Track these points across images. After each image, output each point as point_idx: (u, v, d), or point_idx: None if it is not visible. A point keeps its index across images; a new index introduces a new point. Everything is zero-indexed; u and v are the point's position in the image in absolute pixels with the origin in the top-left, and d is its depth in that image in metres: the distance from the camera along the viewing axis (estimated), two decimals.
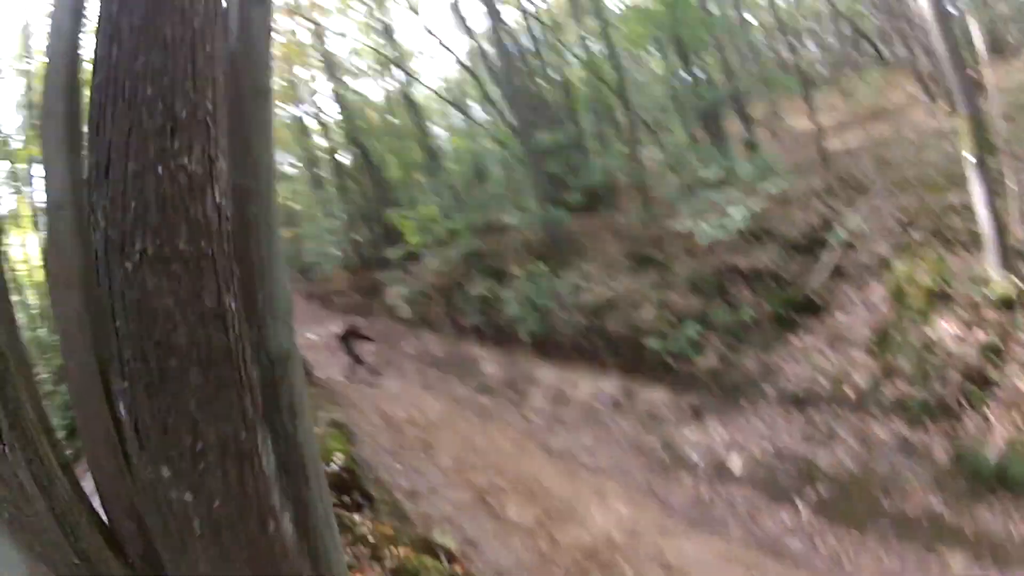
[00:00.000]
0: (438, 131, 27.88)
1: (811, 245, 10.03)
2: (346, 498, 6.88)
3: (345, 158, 28.38)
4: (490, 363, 14.89)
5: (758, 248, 10.61)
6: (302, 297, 31.31)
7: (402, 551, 5.36)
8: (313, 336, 22.75)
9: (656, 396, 10.24)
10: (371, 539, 5.48)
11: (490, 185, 21.41)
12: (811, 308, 9.13)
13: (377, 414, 13.77)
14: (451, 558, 6.41)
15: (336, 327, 23.37)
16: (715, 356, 9.43)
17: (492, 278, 15.41)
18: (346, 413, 13.39)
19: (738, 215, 10.06)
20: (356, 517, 6.17)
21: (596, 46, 17.53)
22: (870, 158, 12.08)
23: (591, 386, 11.70)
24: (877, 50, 21.00)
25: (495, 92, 19.82)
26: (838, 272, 9.44)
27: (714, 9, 17.15)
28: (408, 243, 19.26)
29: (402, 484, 9.97)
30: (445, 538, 6.80)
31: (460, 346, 16.41)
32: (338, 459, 7.68)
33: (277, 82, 29.34)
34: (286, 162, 37.63)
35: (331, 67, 26.23)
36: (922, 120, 13.83)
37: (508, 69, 16.22)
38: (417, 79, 25.45)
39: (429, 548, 6.27)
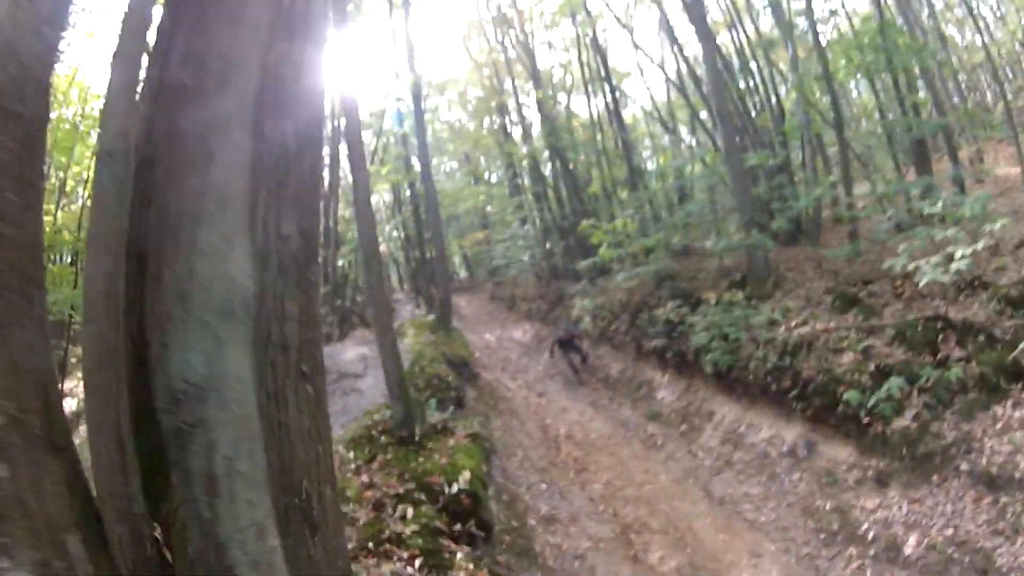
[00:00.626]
0: (644, 151, 27.92)
1: None
2: (457, 527, 6.82)
3: (546, 170, 29.14)
4: (666, 390, 14.69)
5: (972, 299, 9.59)
6: (487, 298, 32.75)
7: None
8: (490, 337, 23.81)
9: (839, 454, 9.56)
10: None
11: (691, 206, 21.14)
12: (1022, 376, 8.13)
13: (537, 425, 14.12)
14: None
15: (519, 333, 24.39)
16: (912, 418, 8.63)
17: (682, 302, 15.15)
18: (503, 421, 13.88)
19: (962, 256, 9.18)
20: (458, 555, 6.14)
21: (809, 70, 16.80)
22: None
23: (770, 431, 11.16)
24: None
25: (704, 113, 19.62)
26: None
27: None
28: (600, 256, 19.45)
29: (541, 508, 10.15)
30: None
31: (638, 368, 16.34)
32: (462, 480, 7.68)
33: (478, 92, 31.00)
34: (491, 168, 39.60)
35: (537, 79, 27.03)
36: None
37: (718, 89, 15.89)
38: (625, 96, 25.83)
39: None
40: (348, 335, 18.69)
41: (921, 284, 9.84)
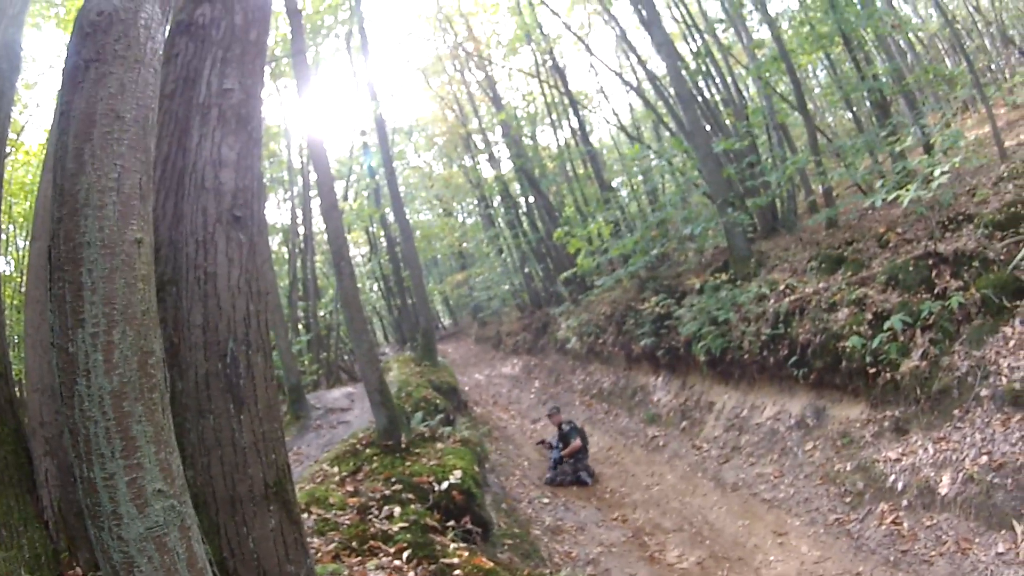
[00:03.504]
0: (615, 170, 27.70)
1: (1011, 221, 8.36)
2: (451, 524, 6.40)
3: (518, 200, 28.91)
4: (662, 391, 13.95)
5: (958, 232, 8.99)
6: (472, 341, 32.14)
7: None
8: (480, 376, 23.19)
9: (851, 413, 8.80)
10: (458, 574, 4.87)
11: (664, 199, 20.62)
12: (1023, 291, 7.49)
13: (533, 448, 13.38)
14: None
15: (507, 368, 23.71)
16: (920, 356, 7.92)
17: (667, 295, 14.48)
18: (499, 447, 13.15)
19: (941, 172, 8.68)
20: (452, 547, 5.58)
21: (767, 56, 16.54)
22: None
23: (774, 408, 10.41)
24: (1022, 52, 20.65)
25: (665, 110, 19.29)
26: None
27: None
28: (579, 266, 18.89)
29: (545, 519, 9.46)
30: None
31: (630, 376, 15.62)
32: (453, 477, 7.24)
33: (444, 130, 31.06)
34: (463, 207, 39.55)
35: (499, 104, 27.02)
36: None
37: (676, 74, 15.45)
38: (589, 119, 25.68)
39: None
40: (335, 387, 18.00)
41: (904, 204, 9.31)
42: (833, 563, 6.83)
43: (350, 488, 6.97)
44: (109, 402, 1.99)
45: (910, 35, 19.41)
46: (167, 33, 3.09)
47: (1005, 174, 9.79)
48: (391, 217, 25.05)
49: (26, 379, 3.58)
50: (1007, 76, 20.13)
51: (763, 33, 18.45)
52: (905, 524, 6.68)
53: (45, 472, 3.29)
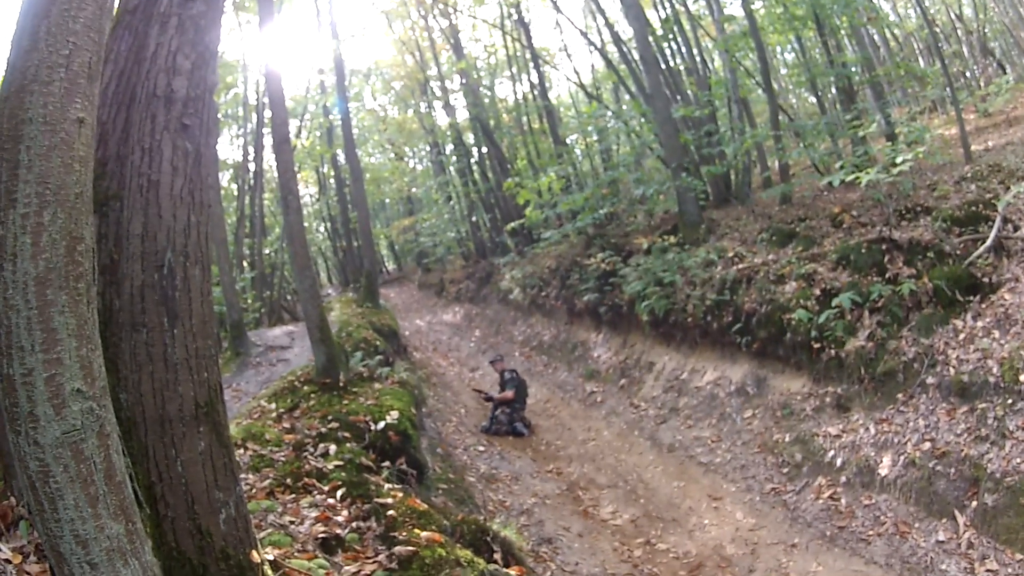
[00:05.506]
0: (571, 128, 27.24)
1: (971, 219, 8.43)
2: (385, 464, 6.29)
3: (471, 149, 28.22)
4: (603, 348, 13.80)
5: (914, 223, 8.92)
6: (415, 287, 31.65)
7: (429, 537, 4.33)
8: (420, 322, 22.84)
9: (792, 385, 8.74)
10: (392, 514, 4.56)
11: (618, 159, 20.30)
12: (977, 287, 7.43)
13: (470, 397, 13.12)
14: (510, 557, 5.38)
15: (448, 315, 23.36)
16: (867, 337, 7.84)
17: (613, 253, 14.23)
18: (437, 393, 12.86)
19: (904, 160, 8.55)
20: (386, 487, 5.40)
21: (736, 32, 16.21)
22: (1017, 153, 10.68)
23: (715, 373, 10.33)
24: (1001, 65, 21.12)
25: (627, 73, 18.84)
26: (1002, 248, 7.72)
27: None
28: (528, 217, 18.51)
29: (480, 467, 9.27)
30: (507, 531, 5.73)
31: (572, 331, 15.43)
32: (390, 418, 7.03)
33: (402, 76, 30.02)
34: (416, 154, 38.66)
35: (460, 52, 26.20)
36: None
37: (641, 34, 15.01)
38: (549, 67, 25.05)
39: (478, 539, 5.27)
40: (276, 325, 17.46)
41: (863, 185, 9.22)
42: (768, 532, 6.77)
43: (287, 425, 6.80)
44: (33, 289, 1.89)
45: (885, 30, 19.36)
46: None
47: (969, 174, 9.83)
48: (342, 158, 24.38)
49: None
50: (981, 84, 20.29)
51: (735, 9, 18.13)
52: (843, 500, 6.64)
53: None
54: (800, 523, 6.70)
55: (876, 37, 19.17)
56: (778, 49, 22.10)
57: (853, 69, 14.42)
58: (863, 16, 15.02)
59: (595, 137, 22.76)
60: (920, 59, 22.75)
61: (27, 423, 1.85)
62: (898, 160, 8.57)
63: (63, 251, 1.96)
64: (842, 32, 17.02)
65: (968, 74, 21.68)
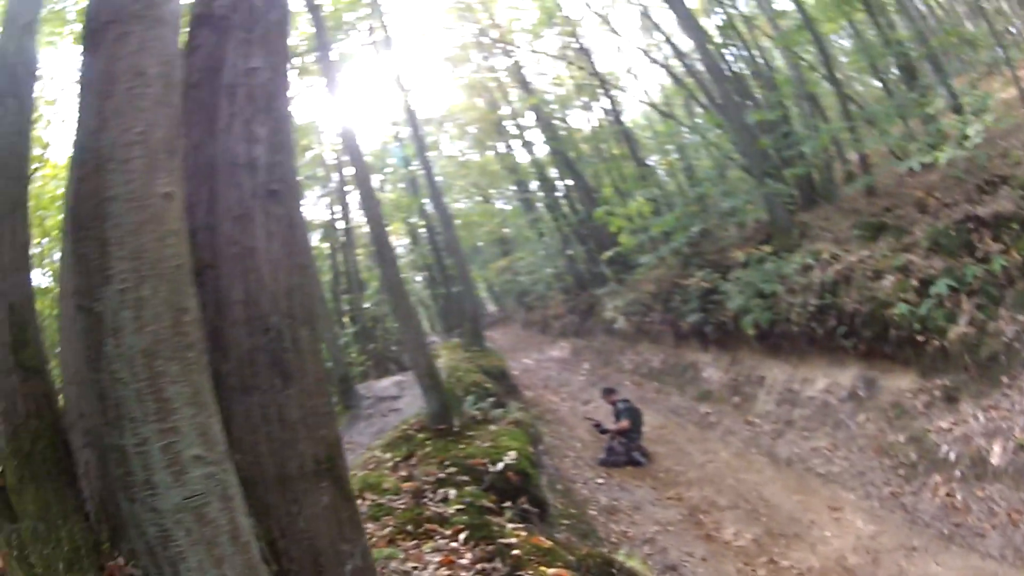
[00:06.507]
0: (649, 147, 27.53)
1: None
2: (507, 505, 6.35)
3: (556, 183, 29.00)
4: (712, 368, 14.02)
5: (995, 195, 8.85)
6: (519, 327, 32.37)
7: (556, 573, 4.63)
8: (528, 361, 23.39)
9: (902, 383, 8.81)
10: (517, 553, 4.84)
11: (703, 175, 20.55)
12: None
13: (586, 430, 13.54)
14: None
15: (555, 351, 23.91)
16: (967, 322, 7.90)
17: (712, 270, 14.52)
18: (552, 429, 13.37)
19: (975, 132, 8.59)
20: (509, 527, 5.59)
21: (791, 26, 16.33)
22: None
23: (825, 380, 10.43)
24: None
25: (695, 85, 19.13)
26: None
27: None
28: (621, 244, 18.93)
29: (601, 499, 9.64)
30: (632, 561, 6.12)
31: (679, 353, 15.70)
32: (508, 458, 7.21)
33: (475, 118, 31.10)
34: (501, 194, 39.65)
35: (528, 87, 27.04)
36: None
37: (702, 46, 15.39)
38: (618, 90, 25.46)
39: (604, 572, 5.63)
40: (383, 377, 18.45)
41: (942, 163, 9.26)
42: (888, 537, 6.91)
43: (403, 473, 7.02)
44: (140, 361, 1.92)
45: None
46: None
47: None
48: (430, 208, 25.24)
49: (63, 372, 3.57)
50: None
51: (785, 3, 18.21)
52: (958, 496, 6.73)
53: (85, 463, 3.25)
54: (919, 524, 6.83)
55: (922, 7, 18.76)
56: (833, 37, 21.86)
57: (908, 44, 14.25)
58: None
59: (675, 155, 23.01)
60: (967, 22, 22.00)
61: (143, 491, 1.88)
62: (969, 132, 8.62)
63: (168, 323, 2.00)
64: (890, 9, 16.80)
65: (1013, 30, 20.81)
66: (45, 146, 15.34)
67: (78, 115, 2.16)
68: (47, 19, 10.73)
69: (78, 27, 12.36)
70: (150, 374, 1.91)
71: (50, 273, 16.82)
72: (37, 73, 4.85)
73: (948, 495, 6.85)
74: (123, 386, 1.90)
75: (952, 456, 7.13)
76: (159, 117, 2.16)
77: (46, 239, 16.62)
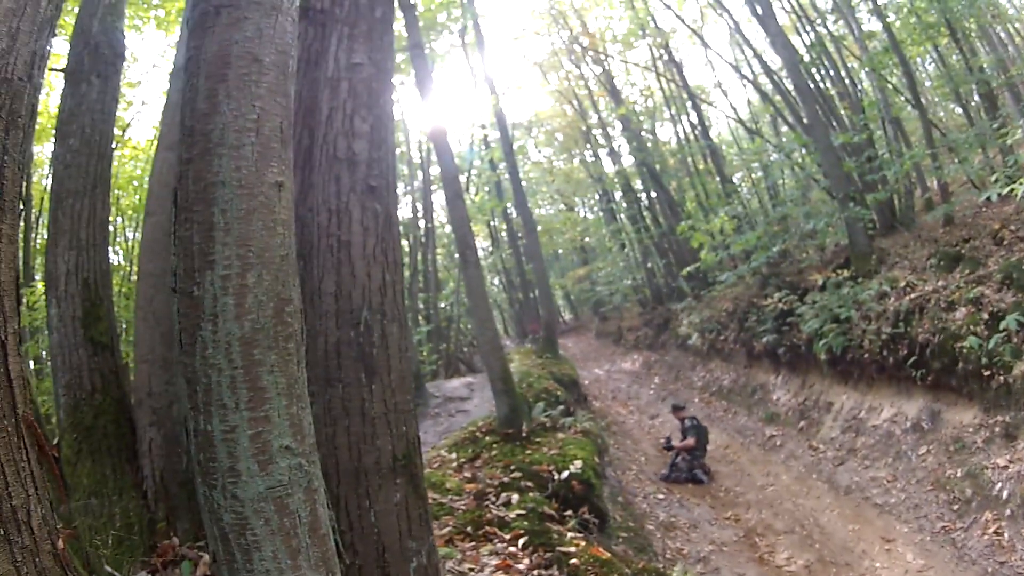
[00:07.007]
0: (734, 164, 27.50)
1: None
2: (568, 514, 6.50)
3: (640, 195, 29.18)
4: (782, 390, 14.09)
5: None
6: (592, 336, 32.60)
7: None
8: (599, 371, 23.68)
9: (965, 417, 8.83)
10: (575, 562, 5.03)
11: (786, 195, 20.49)
12: None
13: (651, 444, 13.85)
14: None
15: (627, 363, 24.12)
16: None
17: (790, 291, 14.60)
18: (617, 441, 13.70)
19: None
20: (568, 536, 5.65)
21: (878, 48, 16.24)
22: None
23: (891, 410, 10.46)
24: None
25: (782, 103, 19.16)
26: None
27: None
28: (702, 260, 19.09)
29: (659, 515, 9.94)
30: None
31: (751, 374, 15.79)
32: (573, 467, 7.41)
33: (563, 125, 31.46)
34: (584, 202, 39.92)
35: (617, 97, 27.39)
36: None
37: (792, 65, 15.45)
38: (706, 105, 25.54)
39: None
40: (453, 377, 19.00)
41: (1019, 198, 9.21)
42: (936, 572, 7.04)
43: (467, 474, 7.18)
44: (238, 349, 1.93)
45: (1009, 26, 18.51)
46: None
47: None
48: (513, 212, 25.86)
49: (136, 351, 3.63)
50: None
51: (873, 24, 18.07)
52: (1006, 535, 6.82)
53: (149, 442, 3.37)
54: (966, 561, 6.93)
55: (1003, 35, 18.26)
56: (919, 61, 21.47)
57: (990, 72, 14.04)
58: (987, 15, 14.66)
59: (759, 173, 22.93)
60: None
61: (226, 477, 1.88)
62: None
63: (271, 312, 1.99)
64: (972, 35, 16.53)
65: None
66: (125, 127, 16.22)
67: (184, 96, 2.17)
68: (131, 2, 11.11)
69: (161, 13, 12.76)
70: (247, 362, 1.92)
71: (121, 252, 17.92)
72: (123, 53, 5.02)
73: (996, 533, 6.93)
74: (216, 372, 1.92)
75: (1005, 494, 7.20)
76: (273, 106, 2.16)
77: (119, 218, 17.54)
